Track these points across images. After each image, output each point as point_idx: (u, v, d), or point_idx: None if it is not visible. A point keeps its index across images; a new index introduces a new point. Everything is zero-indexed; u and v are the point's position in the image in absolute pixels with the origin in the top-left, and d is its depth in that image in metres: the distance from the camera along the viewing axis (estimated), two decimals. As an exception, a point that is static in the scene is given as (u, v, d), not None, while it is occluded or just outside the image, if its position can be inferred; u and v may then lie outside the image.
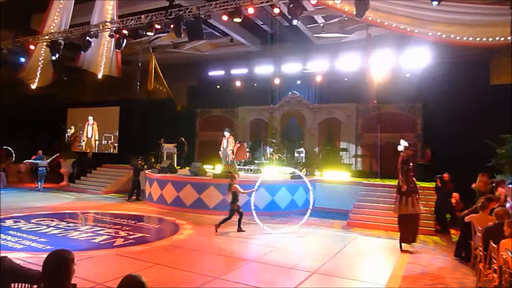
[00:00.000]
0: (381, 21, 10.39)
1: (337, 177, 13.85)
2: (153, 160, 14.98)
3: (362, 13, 9.23)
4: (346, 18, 14.13)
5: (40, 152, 17.87)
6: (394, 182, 12.55)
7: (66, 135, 19.57)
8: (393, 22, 10.24)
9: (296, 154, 16.12)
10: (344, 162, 15.54)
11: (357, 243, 8.88)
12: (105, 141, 20.97)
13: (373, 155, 15.12)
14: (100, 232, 8.86)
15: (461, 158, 11.93)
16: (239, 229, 9.43)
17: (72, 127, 21.04)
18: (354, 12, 9.40)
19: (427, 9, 9.44)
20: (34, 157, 17.60)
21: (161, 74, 17.58)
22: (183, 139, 16.74)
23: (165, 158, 15.57)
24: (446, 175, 10.45)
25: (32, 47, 14.52)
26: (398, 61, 14.32)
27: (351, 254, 8.02)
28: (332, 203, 12.97)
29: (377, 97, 15.06)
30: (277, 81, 17.21)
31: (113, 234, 8.71)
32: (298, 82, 17.71)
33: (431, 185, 11.46)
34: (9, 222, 9.51)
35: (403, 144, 8.48)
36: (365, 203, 11.53)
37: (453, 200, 10.68)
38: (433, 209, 10.51)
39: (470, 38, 9.49)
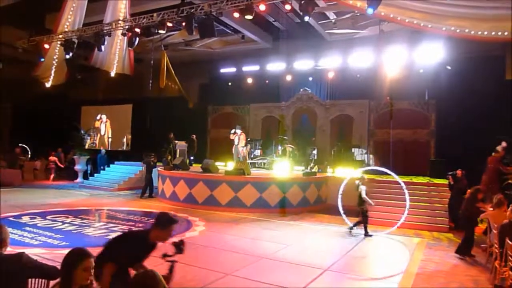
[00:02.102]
0: (393, 17, 10.28)
1: (350, 174, 13.75)
2: (169, 158, 15.08)
3: (375, 6, 9.14)
4: (358, 14, 14.02)
5: (59, 149, 18.76)
6: (407, 179, 12.46)
7: (81, 133, 19.87)
8: (406, 17, 10.11)
9: (308, 151, 16.07)
10: (357, 159, 15.44)
11: (369, 240, 8.83)
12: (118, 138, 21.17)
13: (386, 152, 14.99)
14: (114, 228, 8.98)
15: (476, 154, 11.76)
16: (366, 234, 8.96)
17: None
18: (366, 7, 9.33)
19: (440, 3, 9.32)
20: (53, 153, 18.51)
21: (173, 72, 17.69)
22: (194, 136, 16.79)
23: (178, 155, 15.68)
24: (459, 172, 10.30)
25: (46, 46, 14.73)
26: (411, 57, 14.17)
27: (364, 251, 7.99)
28: (344, 200, 12.89)
29: (390, 93, 14.92)
30: (288, 78, 17.19)
31: (126, 230, 8.81)
32: (310, 78, 17.66)
33: (445, 182, 11.32)
34: (25, 219, 9.71)
35: (503, 145, 8.69)
36: (378, 200, 11.42)
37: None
38: (447, 206, 10.38)
39: (485, 33, 9.32)
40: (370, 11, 9.25)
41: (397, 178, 9.75)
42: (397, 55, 14.14)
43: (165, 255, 3.34)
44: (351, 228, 9.18)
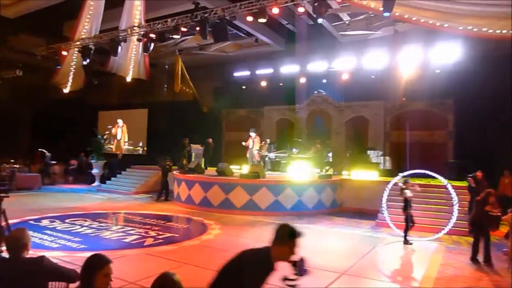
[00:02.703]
0: (408, 17, 10.15)
1: (365, 176, 13.64)
2: (184, 161, 15.19)
3: (390, 9, 9.06)
4: (372, 15, 13.92)
5: (82, 154, 19.34)
6: (424, 181, 12.26)
7: (98, 137, 20.18)
8: (421, 17, 9.97)
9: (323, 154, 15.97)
10: (372, 161, 15.29)
11: (387, 243, 8.72)
12: (131, 146, 21.39)
13: (402, 154, 14.81)
14: (131, 232, 9.08)
15: (495, 155, 11.52)
16: (406, 241, 8.59)
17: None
18: (381, 9, 9.25)
19: (456, 2, 9.16)
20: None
21: (187, 76, 17.85)
22: (210, 140, 16.84)
23: (193, 159, 15.78)
24: (479, 174, 10.09)
25: (64, 53, 15.02)
26: (427, 57, 13.99)
27: (381, 255, 7.90)
28: (360, 203, 12.79)
29: (405, 94, 14.77)
30: (302, 80, 17.16)
31: (143, 234, 8.90)
32: (324, 81, 17.58)
33: (463, 184, 11.10)
34: (45, 222, 9.89)
35: None
36: (395, 203, 11.27)
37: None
38: (467, 209, 10.17)
39: (504, 31, 9.13)
40: (386, 14, 9.14)
41: (443, 180, 9.41)
42: (413, 55, 13.97)
43: (285, 279, 2.75)
44: (406, 242, 8.61)
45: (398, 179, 9.62)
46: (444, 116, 14.96)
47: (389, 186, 9.66)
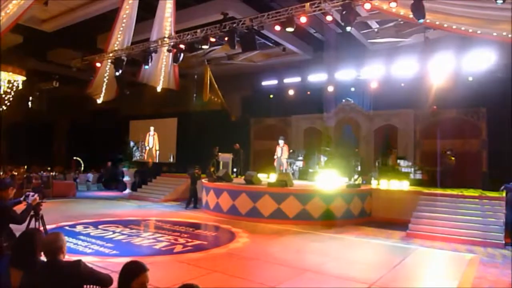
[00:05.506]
0: (440, 23, 9.97)
1: (395, 186, 13.37)
2: (212, 169, 15.37)
3: (420, 16, 8.92)
4: (401, 22, 13.73)
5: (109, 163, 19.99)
6: (456, 192, 11.89)
7: (130, 146, 20.75)
8: (453, 24, 9.78)
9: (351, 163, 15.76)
10: (402, 170, 14.94)
11: (417, 255, 8.50)
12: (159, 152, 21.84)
13: (433, 163, 14.42)
14: (161, 238, 9.25)
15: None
16: None
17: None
18: (411, 16, 9.12)
19: (490, 8, 8.92)
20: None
21: (216, 85, 18.11)
22: (238, 145, 16.88)
23: (221, 167, 15.95)
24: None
25: (98, 64, 15.59)
26: (460, 64, 13.61)
27: (411, 266, 7.71)
28: (390, 213, 12.53)
29: (437, 102, 14.41)
30: (330, 88, 17.06)
31: (172, 241, 9.06)
32: (352, 89, 17.38)
33: (498, 194, 10.69)
34: (79, 228, 10.24)
35: None
36: (426, 213, 11.00)
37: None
38: (502, 220, 9.79)
39: (540, 37, 8.81)
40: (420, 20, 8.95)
41: None
42: (444, 63, 13.64)
43: None
44: None
45: None
46: (477, 125, 14.48)
47: None
